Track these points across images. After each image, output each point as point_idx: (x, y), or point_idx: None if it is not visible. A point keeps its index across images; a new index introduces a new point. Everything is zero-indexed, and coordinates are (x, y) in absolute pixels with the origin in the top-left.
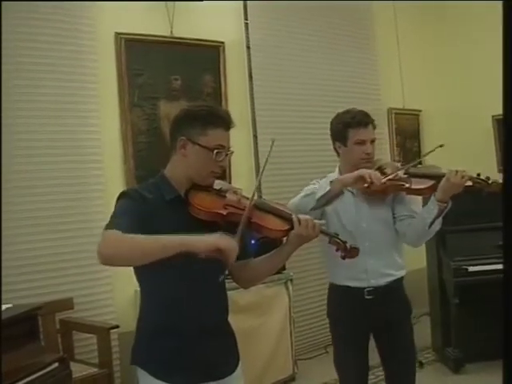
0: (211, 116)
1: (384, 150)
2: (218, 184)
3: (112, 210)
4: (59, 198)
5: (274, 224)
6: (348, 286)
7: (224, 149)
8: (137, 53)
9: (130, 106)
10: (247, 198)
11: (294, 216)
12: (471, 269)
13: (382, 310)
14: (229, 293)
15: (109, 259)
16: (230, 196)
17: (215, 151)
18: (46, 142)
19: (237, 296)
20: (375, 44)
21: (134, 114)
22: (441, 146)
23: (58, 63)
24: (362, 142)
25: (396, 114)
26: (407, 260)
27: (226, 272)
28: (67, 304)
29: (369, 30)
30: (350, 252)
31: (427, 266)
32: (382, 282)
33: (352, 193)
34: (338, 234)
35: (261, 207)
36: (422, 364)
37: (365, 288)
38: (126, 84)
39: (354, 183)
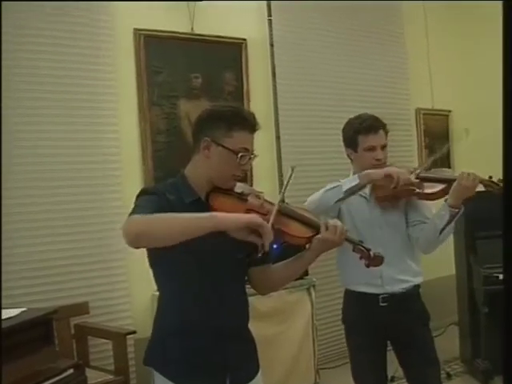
0: (237, 117)
1: (412, 151)
2: (239, 187)
3: (129, 210)
4: (75, 199)
5: (297, 230)
6: (363, 293)
7: (248, 152)
8: (156, 50)
9: (149, 105)
10: (270, 203)
11: (321, 221)
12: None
13: (397, 318)
14: (249, 298)
15: (139, 236)
16: (251, 200)
17: (240, 154)
18: (61, 142)
19: (257, 302)
20: (404, 41)
21: (152, 113)
22: (447, 148)
23: (75, 60)
24: (372, 148)
25: (424, 114)
26: (434, 266)
27: (263, 252)
28: (82, 308)
29: (398, 27)
30: (374, 260)
31: (456, 273)
32: (398, 288)
33: (365, 198)
34: (362, 242)
35: (284, 212)
36: (449, 375)
37: (380, 295)
38: (144, 82)
39: (381, 180)
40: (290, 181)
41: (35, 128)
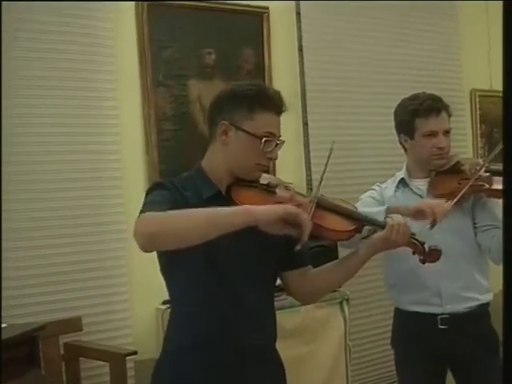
0: (260, 97)
1: (466, 141)
2: (264, 178)
3: (131, 209)
4: (67, 195)
5: (336, 224)
6: (416, 312)
7: (274, 137)
8: (162, 22)
9: (154, 86)
10: (301, 194)
11: (393, 217)
12: None
13: (460, 344)
14: None
15: (155, 237)
16: (280, 192)
17: (264, 139)
18: (50, 128)
19: (281, 318)
20: (458, 12)
21: (158, 96)
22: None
23: (66, 31)
24: (432, 134)
25: (481, 96)
26: (496, 280)
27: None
28: (74, 324)
29: None
30: (431, 255)
31: None
32: (461, 308)
33: (420, 196)
34: (414, 234)
35: (321, 205)
36: None
37: (438, 315)
38: (148, 59)
39: (412, 216)
40: (329, 161)
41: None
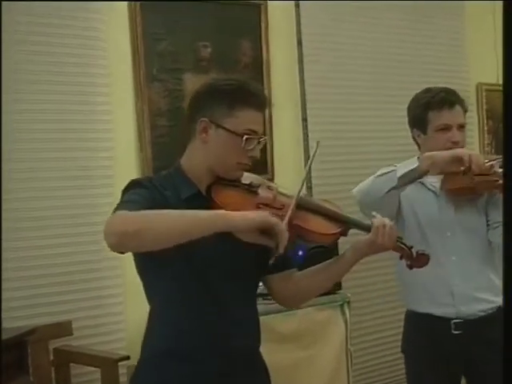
0: (241, 92)
1: (472, 137)
2: (246, 178)
3: None
4: (57, 194)
5: (319, 226)
6: (430, 315)
7: (256, 134)
8: (156, 13)
9: (148, 81)
10: (285, 195)
11: (376, 217)
12: None
13: (475, 350)
14: (268, 317)
15: (126, 237)
16: (262, 192)
17: (245, 137)
18: (37, 125)
19: (277, 322)
20: (464, 5)
21: (152, 90)
22: None
23: (56, 23)
24: (446, 128)
25: (488, 90)
26: None
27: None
28: (64, 328)
29: None
30: (418, 259)
31: None
32: (475, 310)
33: (434, 192)
34: (401, 238)
35: (303, 205)
36: None
37: (452, 319)
38: (141, 52)
39: (447, 164)
40: (314, 158)
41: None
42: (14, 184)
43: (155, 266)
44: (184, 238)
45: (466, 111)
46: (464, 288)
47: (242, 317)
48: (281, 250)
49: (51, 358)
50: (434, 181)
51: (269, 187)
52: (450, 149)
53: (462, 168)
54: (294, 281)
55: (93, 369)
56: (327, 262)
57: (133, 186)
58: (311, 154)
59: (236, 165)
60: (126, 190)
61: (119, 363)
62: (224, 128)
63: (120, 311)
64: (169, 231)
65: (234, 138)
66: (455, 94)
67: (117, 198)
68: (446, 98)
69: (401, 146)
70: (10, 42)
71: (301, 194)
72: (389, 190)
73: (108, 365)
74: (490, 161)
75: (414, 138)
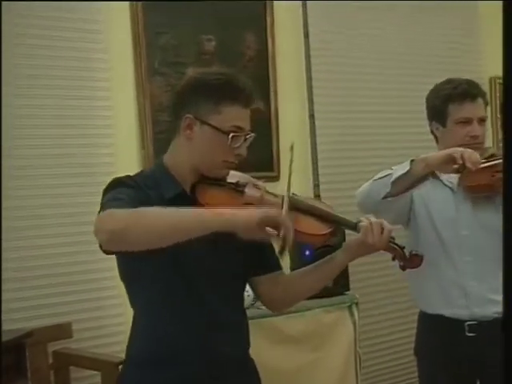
0: (228, 88)
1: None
2: (233, 176)
3: None
4: (57, 192)
5: (309, 227)
6: (442, 316)
7: (242, 131)
8: (158, 5)
9: (149, 75)
10: (273, 194)
11: (364, 219)
12: None
13: (490, 353)
14: (274, 318)
15: (115, 235)
16: (249, 192)
17: (231, 135)
18: (35, 120)
19: (284, 323)
20: None
21: (154, 85)
22: None
23: (55, 16)
24: (466, 121)
25: (502, 84)
26: None
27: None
28: (64, 331)
29: None
30: (411, 260)
31: None
32: (490, 312)
33: (451, 189)
34: (393, 238)
35: (294, 206)
36: None
37: (466, 321)
38: (143, 46)
39: (440, 164)
40: (292, 163)
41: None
42: (13, 182)
43: (138, 268)
44: (177, 236)
45: (486, 104)
46: (479, 289)
47: (230, 319)
48: (289, 242)
49: (50, 361)
50: (451, 176)
51: (256, 186)
52: (470, 144)
53: (456, 166)
54: (283, 283)
55: (93, 372)
56: (317, 263)
57: (115, 185)
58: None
59: (221, 163)
60: (108, 190)
61: (120, 366)
62: (209, 125)
63: (120, 313)
64: (161, 229)
65: (220, 136)
66: (478, 86)
67: None
68: (468, 91)
69: (413, 142)
70: (9, 35)
71: (291, 194)
72: (385, 196)
73: (109, 368)
74: (489, 158)
75: (432, 131)
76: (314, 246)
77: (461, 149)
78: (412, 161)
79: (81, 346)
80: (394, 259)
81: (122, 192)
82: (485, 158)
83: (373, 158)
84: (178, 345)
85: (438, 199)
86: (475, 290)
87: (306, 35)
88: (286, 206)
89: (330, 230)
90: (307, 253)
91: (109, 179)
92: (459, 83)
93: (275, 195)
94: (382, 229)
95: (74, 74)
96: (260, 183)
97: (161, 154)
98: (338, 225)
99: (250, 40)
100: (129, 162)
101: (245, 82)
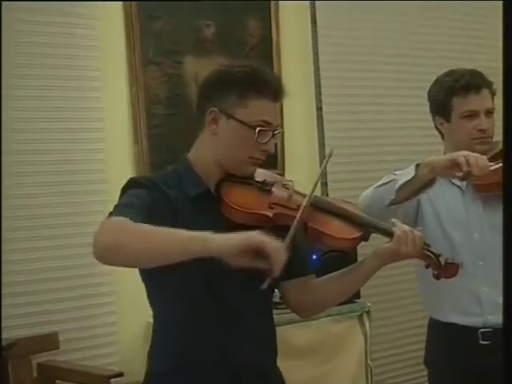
0: (254, 80)
1: (500, 127)
2: (260, 175)
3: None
4: (42, 191)
5: (338, 230)
6: (454, 324)
7: (270, 126)
8: None
9: (143, 64)
10: (302, 194)
11: (397, 224)
12: None
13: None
14: (280, 328)
15: (109, 251)
16: (277, 191)
17: (258, 129)
18: (19, 113)
19: (290, 333)
20: None
21: (148, 75)
22: None
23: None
24: (472, 115)
25: None
26: None
27: (270, 281)
28: (50, 341)
29: None
30: (447, 269)
31: None
32: None
33: (460, 188)
34: (428, 245)
35: (320, 207)
36: None
37: (479, 329)
38: (136, 32)
39: (445, 170)
40: (325, 168)
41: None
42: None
43: (159, 273)
44: (162, 260)
45: (494, 94)
46: (492, 295)
47: (256, 329)
48: (276, 273)
49: (35, 374)
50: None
51: (284, 185)
52: (478, 139)
53: (461, 174)
54: (311, 288)
55: None
56: (346, 268)
57: (131, 185)
58: (325, 160)
59: (248, 159)
60: (124, 190)
61: (111, 380)
62: (235, 119)
63: (112, 322)
64: (147, 251)
65: (247, 130)
66: (481, 75)
67: (111, 195)
68: (471, 82)
69: (429, 136)
70: None
71: (316, 195)
72: (389, 204)
73: (99, 382)
74: (499, 154)
75: (436, 127)
76: (344, 251)
77: (466, 152)
78: (417, 165)
79: (68, 358)
80: (427, 267)
81: (135, 195)
82: (495, 154)
83: (384, 155)
84: (201, 357)
85: (447, 199)
86: (488, 295)
87: (314, 21)
88: (300, 212)
89: (360, 233)
90: (314, 257)
91: (98, 178)
92: (461, 74)
93: (304, 195)
94: (416, 237)
95: (61, 63)
96: (289, 182)
97: (155, 150)
98: (368, 228)
99: (252, 26)
100: (121, 159)
101: (272, 75)
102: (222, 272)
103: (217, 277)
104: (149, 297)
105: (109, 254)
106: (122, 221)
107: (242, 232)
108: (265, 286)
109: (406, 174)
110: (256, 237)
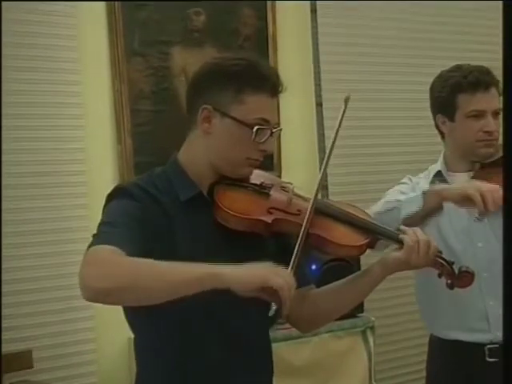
0: (250, 74)
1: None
2: (256, 176)
3: (96, 213)
4: (18, 194)
5: (342, 236)
6: (458, 341)
7: (268, 124)
8: None
9: (127, 56)
10: (302, 198)
11: (407, 232)
12: None
13: None
14: (276, 345)
15: (106, 296)
16: (276, 194)
17: (255, 128)
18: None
19: (288, 351)
20: None
21: (132, 68)
22: None
23: None
24: (479, 114)
25: None
26: None
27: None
28: (24, 359)
29: None
30: (461, 278)
31: None
32: None
33: None
34: (441, 252)
35: (323, 211)
36: None
37: (486, 345)
38: (119, 21)
39: (456, 203)
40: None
41: None
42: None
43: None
44: (170, 297)
45: (500, 94)
46: (499, 309)
47: (253, 351)
48: (283, 316)
49: None
50: (461, 179)
51: (283, 188)
52: (483, 141)
53: (477, 216)
54: (312, 300)
55: None
56: (350, 277)
57: (117, 194)
58: (345, 146)
59: (244, 160)
60: (109, 199)
61: None
62: (231, 117)
63: (91, 338)
64: (153, 291)
65: (243, 129)
66: (490, 73)
67: (91, 200)
68: (480, 78)
69: (436, 136)
70: None
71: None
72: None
73: None
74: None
75: (437, 126)
76: (348, 260)
77: (479, 185)
78: (424, 193)
79: (43, 378)
80: (440, 276)
81: (119, 210)
82: (500, 157)
83: (387, 156)
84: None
85: (448, 206)
86: (495, 310)
87: (314, 10)
88: (306, 218)
89: (366, 240)
90: (313, 267)
91: (78, 182)
92: (469, 70)
93: (305, 199)
94: (429, 247)
95: (34, 53)
96: (288, 185)
97: (140, 151)
98: (376, 235)
99: (246, 15)
100: (102, 160)
101: (269, 68)
102: (223, 298)
103: (217, 304)
104: (133, 329)
105: (105, 298)
106: (113, 254)
107: (253, 264)
108: (272, 313)
109: (412, 203)
110: (274, 279)
